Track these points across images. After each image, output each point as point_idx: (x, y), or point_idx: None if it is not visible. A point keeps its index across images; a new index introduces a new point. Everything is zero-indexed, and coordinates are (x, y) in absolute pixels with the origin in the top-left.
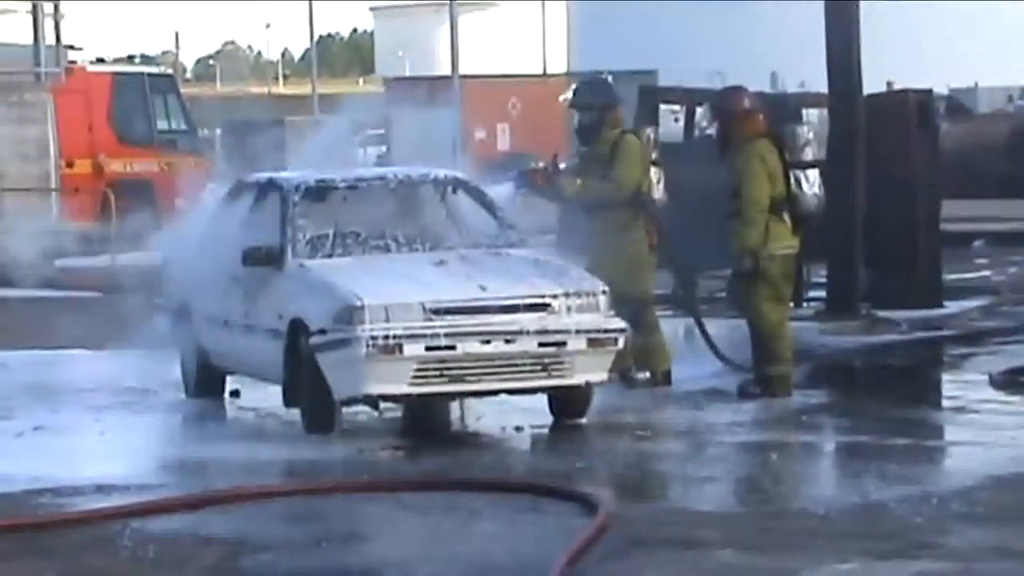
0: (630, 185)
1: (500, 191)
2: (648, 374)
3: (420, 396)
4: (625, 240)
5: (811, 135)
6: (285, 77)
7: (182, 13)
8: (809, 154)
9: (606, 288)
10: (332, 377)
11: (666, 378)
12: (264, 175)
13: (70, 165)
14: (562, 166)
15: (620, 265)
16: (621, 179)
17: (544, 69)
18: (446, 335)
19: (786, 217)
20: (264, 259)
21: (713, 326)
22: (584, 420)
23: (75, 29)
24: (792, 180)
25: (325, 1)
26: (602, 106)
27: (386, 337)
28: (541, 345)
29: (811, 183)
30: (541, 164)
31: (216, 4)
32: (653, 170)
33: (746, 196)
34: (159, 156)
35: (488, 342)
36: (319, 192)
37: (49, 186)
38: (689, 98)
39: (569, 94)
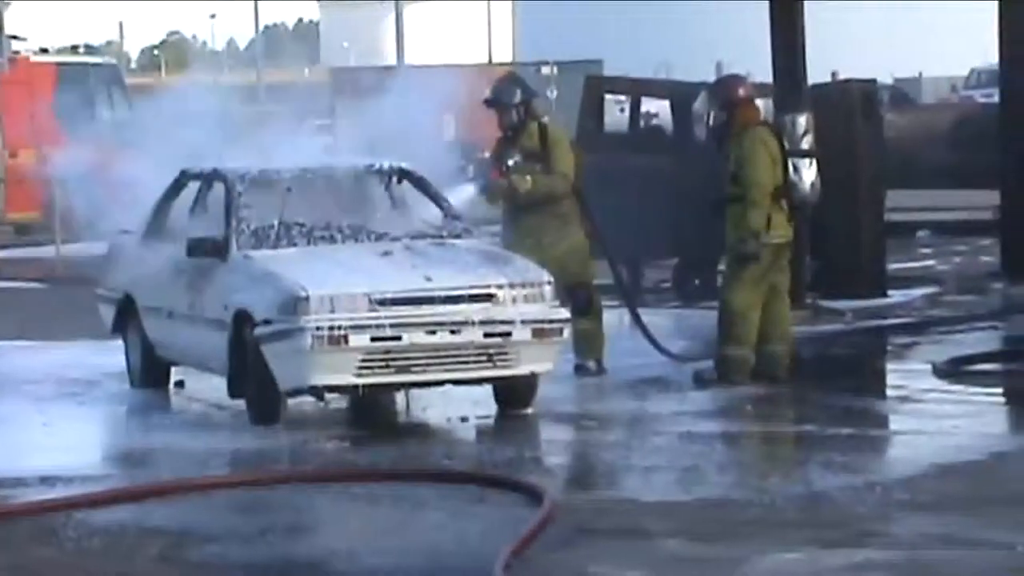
0: (571, 176)
1: (462, 192)
2: (594, 363)
3: (366, 387)
4: (569, 230)
5: (810, 124)
6: (230, 67)
7: (126, 3)
8: (807, 143)
9: (551, 279)
10: (277, 368)
11: (599, 366)
12: (208, 165)
13: (14, 156)
14: (511, 163)
15: (570, 254)
16: (564, 170)
17: (489, 59)
18: (391, 326)
19: (784, 205)
20: (208, 250)
21: (659, 317)
22: (530, 410)
23: (19, 19)
24: (789, 168)
25: None
26: (522, 101)
27: (331, 328)
28: (486, 335)
29: (810, 171)
30: (486, 154)
31: None
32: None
33: (752, 180)
34: (103, 147)
35: (433, 332)
36: (264, 182)
37: None
38: (634, 88)
39: (487, 94)
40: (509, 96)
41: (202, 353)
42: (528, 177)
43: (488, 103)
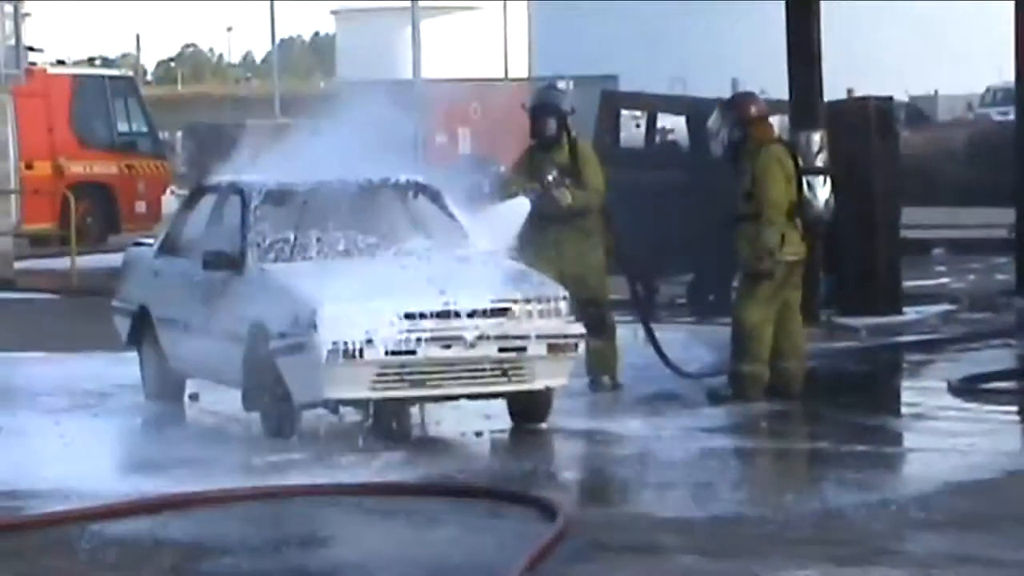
0: (603, 191)
1: (517, 207)
2: (608, 379)
3: (381, 400)
4: (591, 245)
5: (825, 141)
6: (247, 79)
7: (143, 15)
8: (821, 160)
9: (566, 294)
10: (292, 381)
11: (614, 381)
12: (225, 178)
13: (29, 167)
14: (549, 178)
15: (590, 271)
16: (597, 186)
17: (506, 74)
18: (406, 340)
19: (798, 223)
20: (225, 263)
21: (673, 333)
22: (544, 425)
23: (36, 30)
24: (804, 186)
25: (286, 3)
26: (561, 113)
27: (346, 342)
28: (501, 350)
29: (824, 189)
30: (502, 168)
31: (177, 6)
32: None
33: (767, 198)
34: (119, 158)
35: (449, 347)
36: (280, 196)
37: (8, 187)
38: (651, 104)
39: (532, 99)
40: (557, 101)
41: (217, 366)
42: (567, 192)
43: (533, 108)
